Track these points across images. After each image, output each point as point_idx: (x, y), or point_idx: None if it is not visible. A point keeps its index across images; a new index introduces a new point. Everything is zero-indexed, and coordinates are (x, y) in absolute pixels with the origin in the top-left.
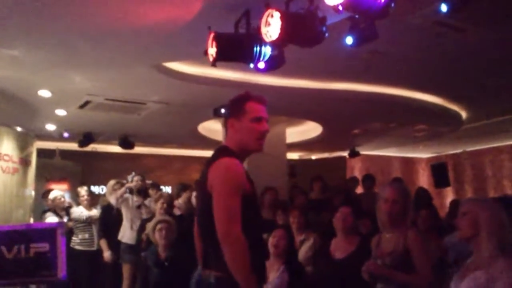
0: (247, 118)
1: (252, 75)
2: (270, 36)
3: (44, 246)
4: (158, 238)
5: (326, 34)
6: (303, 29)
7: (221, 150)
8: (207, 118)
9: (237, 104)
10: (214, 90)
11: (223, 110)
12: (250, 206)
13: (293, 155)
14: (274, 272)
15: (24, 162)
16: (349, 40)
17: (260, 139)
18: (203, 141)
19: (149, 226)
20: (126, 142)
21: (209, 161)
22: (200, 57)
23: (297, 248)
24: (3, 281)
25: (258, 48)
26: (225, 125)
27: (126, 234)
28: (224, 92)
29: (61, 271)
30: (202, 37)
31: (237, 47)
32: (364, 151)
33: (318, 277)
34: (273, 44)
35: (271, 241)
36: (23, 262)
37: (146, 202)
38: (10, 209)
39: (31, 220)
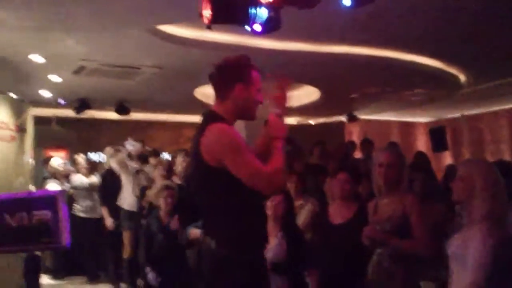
0: (254, 87)
1: (248, 38)
2: None
3: (46, 214)
4: (163, 203)
5: None
6: None
7: (211, 116)
8: (203, 83)
9: (245, 69)
10: (210, 54)
11: None
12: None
13: (291, 120)
14: (273, 238)
15: (20, 129)
16: (346, 1)
17: (255, 108)
18: (200, 106)
19: (151, 192)
20: (122, 108)
21: (199, 130)
22: (196, 20)
23: (296, 213)
24: (7, 248)
25: (254, 10)
26: (225, 90)
27: (126, 201)
28: (220, 56)
29: (65, 239)
30: None
31: (232, 9)
32: (362, 116)
33: (317, 242)
34: (269, 5)
35: (269, 204)
36: (27, 230)
37: (146, 168)
38: (10, 177)
39: (31, 188)
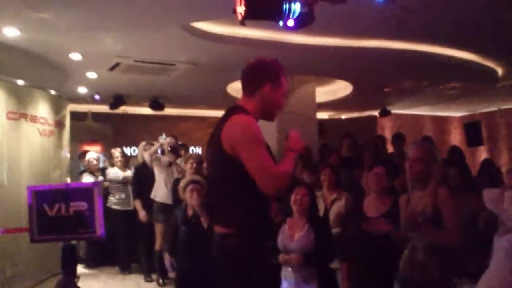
0: (281, 91)
1: (280, 33)
2: None
3: (83, 205)
4: (188, 197)
5: None
6: None
7: (236, 108)
8: (235, 79)
9: (276, 73)
10: (243, 50)
11: None
12: None
13: (322, 115)
14: (299, 231)
15: (59, 124)
16: None
17: (282, 108)
18: (232, 102)
19: (181, 184)
20: (156, 104)
21: (222, 119)
22: (228, 16)
23: (328, 207)
24: (46, 237)
25: (288, 6)
26: (254, 86)
27: (158, 193)
28: (253, 52)
29: (100, 229)
30: None
31: (266, 5)
32: (395, 110)
33: (350, 235)
34: (303, 1)
35: (293, 198)
36: (64, 220)
37: (178, 161)
38: (48, 170)
39: (68, 181)
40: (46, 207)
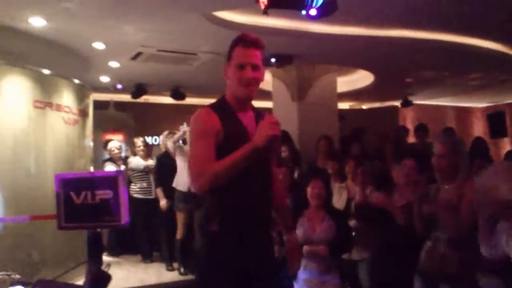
0: (233, 64)
1: (302, 23)
2: None
3: (108, 193)
4: None
5: None
6: None
7: (212, 102)
8: None
9: (229, 48)
10: (265, 40)
11: (272, 60)
12: (223, 154)
13: (343, 105)
14: (319, 223)
15: (83, 113)
16: None
17: (243, 86)
18: None
19: None
20: (178, 93)
21: None
22: (251, 5)
23: (352, 198)
24: (73, 224)
25: None
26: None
27: (180, 182)
28: (274, 41)
29: (124, 217)
30: None
31: None
32: (417, 101)
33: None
34: None
35: (310, 192)
36: (90, 208)
37: None
38: (72, 159)
39: (91, 169)
40: (73, 195)
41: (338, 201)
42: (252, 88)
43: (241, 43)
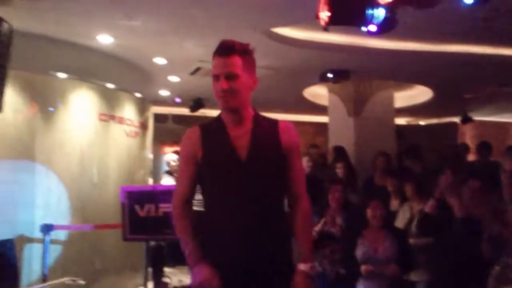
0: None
1: (360, 37)
2: None
3: (170, 207)
4: None
5: None
6: None
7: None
8: (313, 83)
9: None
10: (321, 55)
11: (329, 75)
12: (204, 175)
13: (400, 121)
14: (381, 243)
15: (143, 126)
16: None
17: (219, 98)
18: (308, 106)
19: None
20: None
21: None
22: (309, 21)
23: (413, 217)
24: (137, 236)
25: (371, 11)
26: None
27: None
28: (331, 57)
29: None
30: (313, 1)
31: (350, 10)
32: (477, 117)
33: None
34: (387, 6)
35: (371, 214)
36: (153, 221)
37: None
38: (133, 170)
39: (150, 181)
40: (137, 207)
41: (399, 219)
42: (227, 99)
43: (216, 52)
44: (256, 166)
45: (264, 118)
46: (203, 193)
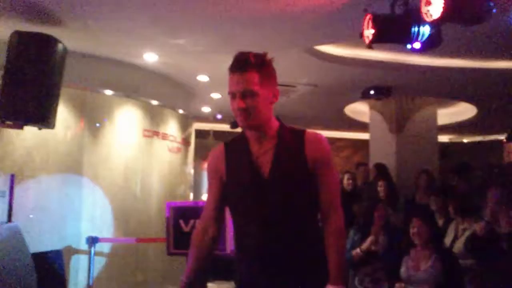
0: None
1: (402, 54)
2: (431, 15)
3: None
4: None
5: (494, 10)
6: (468, 7)
7: None
8: (354, 100)
9: None
10: (363, 72)
11: (371, 92)
12: (228, 193)
13: (443, 138)
14: (424, 262)
15: (185, 142)
16: None
17: (237, 117)
18: (349, 123)
19: None
20: None
21: None
22: (352, 39)
23: (458, 237)
24: (181, 250)
25: (417, 28)
26: None
27: None
28: (373, 73)
29: (229, 246)
30: (357, 18)
31: (394, 28)
32: None
33: (483, 266)
34: (433, 23)
35: (411, 231)
36: None
37: None
38: (174, 185)
39: (191, 196)
40: (182, 222)
41: (448, 239)
42: (245, 118)
43: (230, 67)
44: (279, 183)
45: (290, 130)
46: (230, 211)
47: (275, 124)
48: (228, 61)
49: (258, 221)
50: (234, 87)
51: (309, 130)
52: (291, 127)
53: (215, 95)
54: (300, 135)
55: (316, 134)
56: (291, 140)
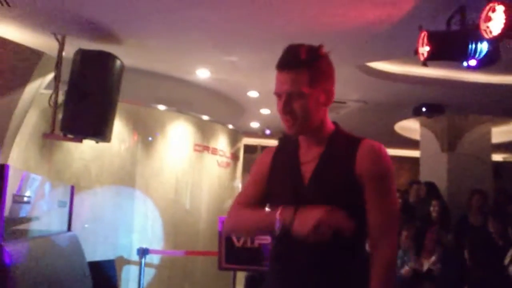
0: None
1: (454, 71)
2: (490, 32)
3: (267, 239)
4: None
5: None
6: None
7: None
8: (405, 117)
9: None
10: (414, 89)
11: (423, 109)
12: (269, 201)
13: (496, 157)
14: None
15: (234, 157)
16: None
17: (283, 121)
18: (399, 140)
19: None
20: None
21: None
22: (405, 56)
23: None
24: (233, 265)
25: (474, 45)
26: None
27: None
28: (425, 90)
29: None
30: (411, 35)
31: (451, 45)
32: None
33: None
34: (492, 40)
35: (466, 254)
36: (249, 251)
37: None
38: (223, 199)
39: None
40: (234, 238)
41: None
42: (291, 124)
43: (277, 64)
44: (318, 196)
45: (345, 136)
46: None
47: (329, 128)
48: None
49: (294, 237)
50: (280, 87)
51: (368, 139)
52: (348, 133)
53: (264, 111)
54: (354, 143)
55: (375, 144)
56: (343, 148)
